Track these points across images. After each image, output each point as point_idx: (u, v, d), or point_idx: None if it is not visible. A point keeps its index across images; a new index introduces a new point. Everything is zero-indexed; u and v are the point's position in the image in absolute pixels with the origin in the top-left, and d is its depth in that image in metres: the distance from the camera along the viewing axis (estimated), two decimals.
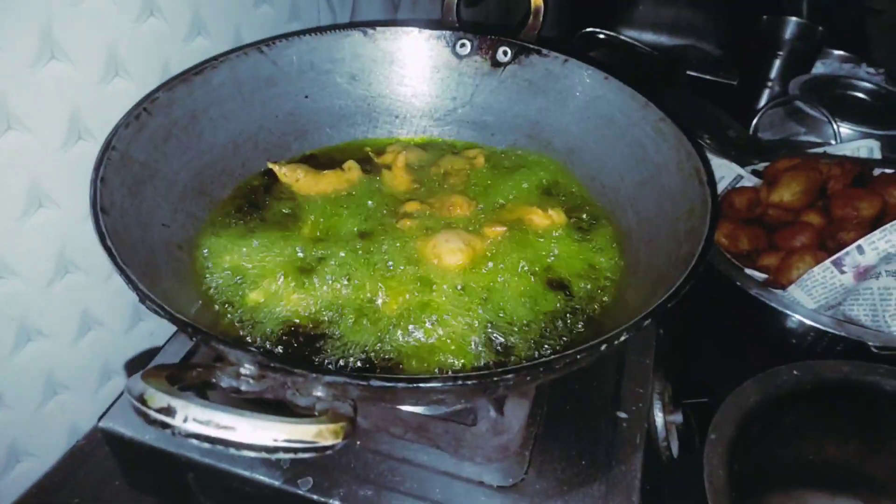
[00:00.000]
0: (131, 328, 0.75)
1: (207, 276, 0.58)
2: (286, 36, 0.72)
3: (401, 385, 0.39)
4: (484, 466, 0.53)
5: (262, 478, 0.52)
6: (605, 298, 0.60)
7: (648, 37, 1.65)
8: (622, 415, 0.59)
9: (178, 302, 0.52)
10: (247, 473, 0.52)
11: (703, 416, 0.59)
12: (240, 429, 0.32)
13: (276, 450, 0.32)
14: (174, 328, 0.60)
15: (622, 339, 0.43)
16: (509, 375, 0.40)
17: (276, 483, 0.51)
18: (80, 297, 0.67)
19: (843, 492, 0.65)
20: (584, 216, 0.68)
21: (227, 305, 0.57)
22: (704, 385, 0.66)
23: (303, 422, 0.34)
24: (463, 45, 0.76)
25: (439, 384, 0.39)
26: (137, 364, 0.74)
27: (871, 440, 0.63)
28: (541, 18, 0.76)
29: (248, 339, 0.55)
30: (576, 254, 0.63)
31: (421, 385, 0.39)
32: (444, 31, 0.76)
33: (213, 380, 0.40)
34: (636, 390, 0.61)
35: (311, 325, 0.56)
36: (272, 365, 0.39)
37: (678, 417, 0.62)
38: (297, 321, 0.56)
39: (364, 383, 0.39)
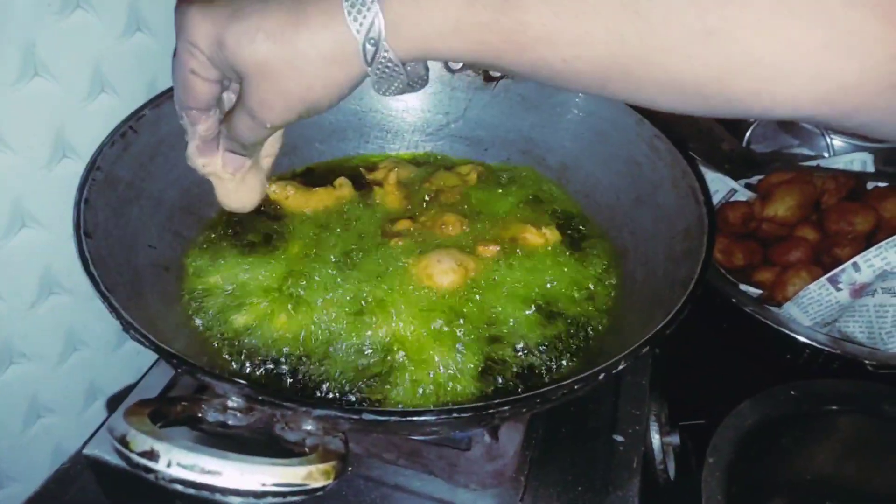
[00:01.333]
0: (117, 348, 0.73)
1: (194, 298, 0.57)
2: None
3: (393, 418, 0.38)
4: (479, 493, 0.52)
5: None
6: (601, 320, 0.58)
7: None
8: (618, 438, 0.58)
9: (163, 328, 0.50)
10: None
11: (701, 438, 0.58)
12: (226, 473, 0.30)
13: (264, 494, 0.31)
14: None
15: (620, 367, 0.42)
16: (505, 407, 0.39)
17: None
18: (65, 318, 0.66)
19: None
20: (579, 234, 0.67)
21: (212, 329, 0.55)
22: (701, 405, 0.65)
23: (292, 463, 0.32)
24: None
25: (433, 417, 0.38)
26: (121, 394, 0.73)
27: (870, 460, 0.62)
28: None
29: (234, 364, 0.53)
30: (570, 273, 0.62)
31: (414, 418, 0.38)
32: None
33: (199, 414, 0.38)
34: (632, 412, 0.60)
35: (299, 349, 0.54)
36: (259, 398, 0.38)
37: (675, 439, 0.61)
38: (286, 344, 0.54)
39: (356, 416, 0.37)
